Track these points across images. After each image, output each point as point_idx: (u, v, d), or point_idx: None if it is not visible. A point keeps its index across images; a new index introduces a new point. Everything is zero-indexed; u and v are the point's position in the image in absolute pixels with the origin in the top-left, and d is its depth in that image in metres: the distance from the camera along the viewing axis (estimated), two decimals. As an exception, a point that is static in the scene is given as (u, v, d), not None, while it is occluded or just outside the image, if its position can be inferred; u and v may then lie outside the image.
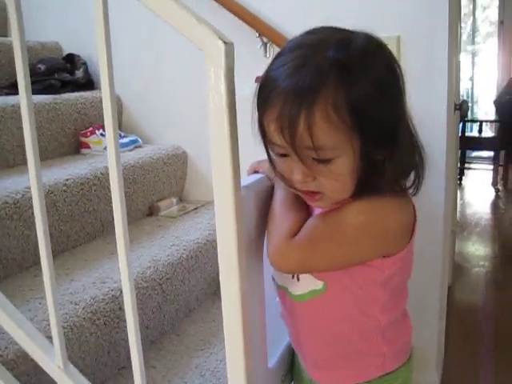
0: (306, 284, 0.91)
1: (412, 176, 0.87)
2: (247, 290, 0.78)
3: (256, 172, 0.98)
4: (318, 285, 0.89)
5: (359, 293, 0.89)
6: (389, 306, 0.92)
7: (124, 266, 0.90)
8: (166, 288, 1.60)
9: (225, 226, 0.74)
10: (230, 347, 0.81)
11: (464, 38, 7.59)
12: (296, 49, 0.80)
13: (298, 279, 0.92)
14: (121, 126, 2.36)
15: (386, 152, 0.81)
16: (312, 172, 0.79)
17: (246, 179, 0.91)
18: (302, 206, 0.89)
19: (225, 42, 0.70)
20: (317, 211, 0.89)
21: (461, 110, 2.34)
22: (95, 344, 1.34)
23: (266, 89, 0.79)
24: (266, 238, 0.91)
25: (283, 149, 0.79)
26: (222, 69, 0.70)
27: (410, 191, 0.88)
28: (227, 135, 0.71)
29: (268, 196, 0.93)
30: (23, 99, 0.91)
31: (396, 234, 0.85)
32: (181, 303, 1.69)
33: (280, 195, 0.89)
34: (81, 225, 1.75)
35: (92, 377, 1.31)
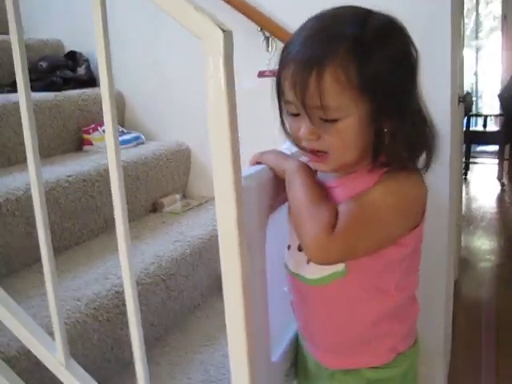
0: (326, 268, 0.90)
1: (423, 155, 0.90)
2: (250, 283, 0.77)
3: (258, 163, 0.97)
4: (339, 267, 0.89)
5: (380, 271, 0.91)
6: (402, 283, 0.94)
7: (125, 263, 0.89)
8: (170, 284, 1.59)
9: (226, 217, 0.73)
10: (233, 342, 0.80)
11: (468, 33, 7.56)
12: (318, 18, 0.88)
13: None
14: (123, 122, 2.35)
15: (393, 123, 0.85)
16: (318, 130, 0.84)
17: (247, 170, 0.90)
18: (327, 194, 0.90)
19: (223, 30, 0.69)
20: (338, 195, 0.89)
21: (465, 102, 2.33)
22: (98, 340, 1.34)
23: (286, 50, 0.88)
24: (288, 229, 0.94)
25: (295, 107, 0.85)
26: (220, 56, 0.69)
27: (421, 168, 0.91)
28: (227, 124, 0.70)
29: (270, 187, 0.92)
30: (22, 95, 0.90)
31: (418, 208, 0.90)
32: (185, 299, 1.68)
33: (302, 184, 0.88)
34: (84, 221, 1.75)
35: (96, 373, 1.29)
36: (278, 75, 0.88)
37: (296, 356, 1.13)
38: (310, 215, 0.84)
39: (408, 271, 0.95)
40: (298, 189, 0.88)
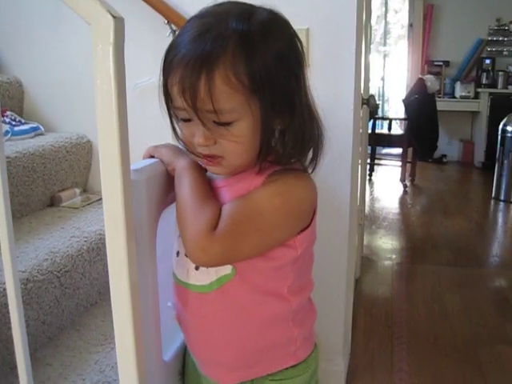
0: (213, 271, 0.87)
1: (310, 154, 0.90)
2: (138, 280, 0.74)
3: (152, 157, 0.94)
4: (227, 270, 0.87)
5: (270, 274, 0.89)
6: (296, 287, 0.92)
7: (8, 265, 0.84)
8: (65, 281, 1.52)
9: (113, 211, 0.70)
10: (121, 340, 0.77)
11: (377, 39, 7.83)
12: (200, 17, 0.84)
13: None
14: (22, 112, 2.24)
15: (284, 121, 0.84)
16: (213, 135, 0.81)
17: (138, 163, 0.87)
18: (213, 193, 0.87)
19: (113, 16, 0.66)
20: (224, 196, 0.87)
21: (368, 104, 2.39)
22: (-17, 341, 1.26)
23: (170, 53, 0.82)
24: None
25: (186, 112, 0.81)
26: (110, 45, 0.67)
27: (309, 169, 0.91)
28: (115, 113, 0.67)
29: (161, 181, 0.90)
30: None
31: (307, 209, 0.88)
32: (81, 297, 1.61)
33: (189, 183, 0.85)
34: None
35: (-21, 377, 1.23)
36: (164, 81, 0.83)
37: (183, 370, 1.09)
38: (193, 214, 0.81)
39: (300, 274, 0.93)
40: (184, 187, 0.85)
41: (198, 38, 0.78)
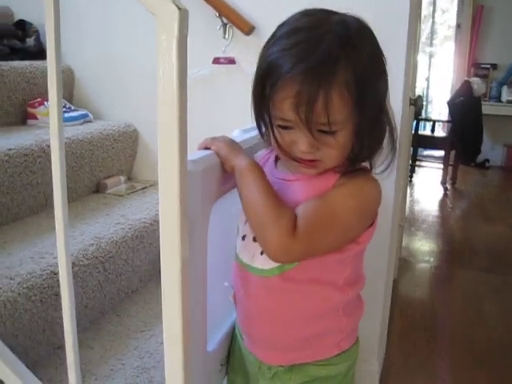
0: None
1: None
2: (188, 270, 0.75)
3: (207, 149, 0.95)
4: None
5: (331, 265, 0.92)
6: (351, 279, 0.97)
7: (61, 243, 0.86)
8: (109, 267, 1.55)
9: (168, 200, 0.71)
10: (169, 329, 0.78)
11: (423, 39, 7.70)
12: (296, 32, 0.85)
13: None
14: (72, 99, 2.28)
15: (369, 126, 0.88)
16: (317, 143, 0.85)
17: (194, 153, 0.88)
18: (284, 190, 0.92)
19: (179, 8, 0.66)
20: (296, 190, 0.91)
21: (415, 105, 2.36)
22: (30, 321, 1.29)
23: (276, 72, 0.83)
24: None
25: (291, 123, 0.84)
26: (174, 36, 0.67)
27: (382, 169, 0.95)
28: (176, 104, 0.68)
29: (216, 173, 0.90)
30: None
31: (375, 208, 0.94)
32: (123, 283, 1.64)
33: (257, 184, 0.87)
34: (22, 197, 1.68)
35: (24, 355, 1.26)
36: (263, 86, 0.85)
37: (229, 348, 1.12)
38: (271, 217, 0.84)
39: (356, 267, 0.98)
40: (252, 189, 0.87)
41: (308, 55, 0.81)
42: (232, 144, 0.95)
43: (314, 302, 0.94)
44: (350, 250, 0.92)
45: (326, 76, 0.80)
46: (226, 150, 0.93)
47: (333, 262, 0.92)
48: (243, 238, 0.98)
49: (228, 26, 1.88)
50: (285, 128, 0.86)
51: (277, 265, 0.91)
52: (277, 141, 0.89)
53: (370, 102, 0.85)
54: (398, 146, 0.94)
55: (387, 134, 0.92)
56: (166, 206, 0.71)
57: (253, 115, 0.93)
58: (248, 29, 1.81)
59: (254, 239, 0.93)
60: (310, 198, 0.87)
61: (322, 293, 0.94)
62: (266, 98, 0.85)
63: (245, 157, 0.91)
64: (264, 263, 0.92)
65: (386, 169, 0.94)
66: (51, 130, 0.82)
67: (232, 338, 1.12)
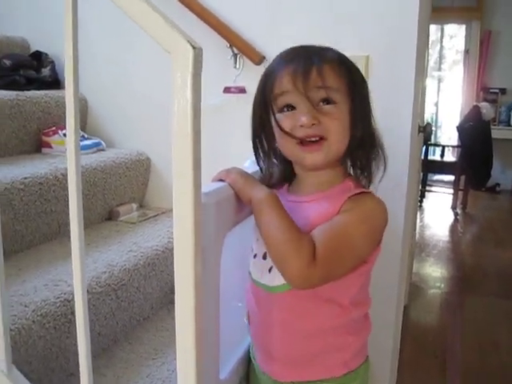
0: None
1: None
2: (202, 299, 0.77)
3: (221, 181, 0.97)
4: None
5: (336, 284, 0.94)
6: (356, 299, 1.00)
7: (77, 270, 0.88)
8: (121, 294, 1.57)
9: (183, 232, 0.73)
10: (182, 358, 0.79)
11: (431, 64, 7.75)
12: (293, 49, 1.00)
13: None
14: (85, 127, 2.32)
15: (363, 131, 0.98)
16: (318, 113, 0.93)
17: (208, 186, 0.90)
18: (294, 207, 0.97)
19: (193, 47, 0.69)
20: (307, 210, 0.96)
21: (425, 132, 2.38)
22: (43, 348, 1.30)
23: (272, 72, 0.98)
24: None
25: (291, 98, 0.94)
26: (189, 73, 0.70)
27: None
28: (190, 141, 0.70)
29: (230, 204, 0.92)
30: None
31: (383, 230, 0.98)
32: (135, 311, 1.65)
33: (276, 216, 0.90)
34: (37, 225, 1.71)
35: (38, 382, 1.27)
36: (263, 90, 0.99)
37: (247, 376, 1.14)
38: (293, 249, 0.86)
39: (363, 288, 1.01)
40: (270, 223, 0.90)
41: (305, 50, 0.98)
42: (247, 176, 0.98)
43: (319, 318, 0.97)
44: (358, 269, 0.95)
45: (318, 53, 0.95)
46: (241, 182, 0.96)
47: (339, 281, 0.94)
48: (254, 256, 1.02)
49: (238, 55, 1.91)
50: (286, 109, 0.96)
51: (282, 282, 0.94)
52: (281, 128, 0.96)
53: (359, 93, 0.97)
54: (386, 167, 1.02)
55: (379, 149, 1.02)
56: (181, 237, 0.73)
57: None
58: (258, 59, 1.84)
59: (264, 257, 0.97)
60: (322, 216, 0.92)
61: (327, 311, 0.97)
62: (266, 94, 0.97)
63: (261, 189, 0.94)
64: (271, 280, 0.97)
65: (379, 181, 1.02)
66: (68, 157, 0.85)
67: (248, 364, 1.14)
